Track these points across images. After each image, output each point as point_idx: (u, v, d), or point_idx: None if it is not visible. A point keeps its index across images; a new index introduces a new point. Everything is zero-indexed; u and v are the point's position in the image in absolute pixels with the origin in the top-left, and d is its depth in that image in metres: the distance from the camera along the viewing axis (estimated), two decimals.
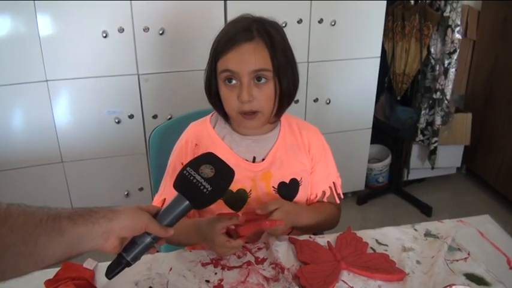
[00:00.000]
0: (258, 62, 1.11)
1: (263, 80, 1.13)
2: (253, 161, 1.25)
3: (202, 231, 1.13)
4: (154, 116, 2.31)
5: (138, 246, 0.85)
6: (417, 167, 3.04)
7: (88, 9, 2.04)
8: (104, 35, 2.09)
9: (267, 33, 1.13)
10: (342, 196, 1.37)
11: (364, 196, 2.96)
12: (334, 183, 1.35)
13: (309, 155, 1.30)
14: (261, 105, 1.15)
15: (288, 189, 1.27)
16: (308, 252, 1.11)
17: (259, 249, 1.16)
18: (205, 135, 1.27)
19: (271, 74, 1.14)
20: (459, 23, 2.52)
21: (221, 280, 1.05)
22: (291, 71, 1.18)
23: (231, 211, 1.24)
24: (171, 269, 1.08)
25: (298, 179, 1.28)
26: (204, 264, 1.10)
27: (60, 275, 1.01)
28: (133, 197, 2.45)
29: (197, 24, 2.20)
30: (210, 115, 1.31)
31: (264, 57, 1.12)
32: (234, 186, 1.23)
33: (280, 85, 1.15)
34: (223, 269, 1.09)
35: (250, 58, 1.11)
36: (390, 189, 3.05)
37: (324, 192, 1.33)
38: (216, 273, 1.07)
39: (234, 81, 1.14)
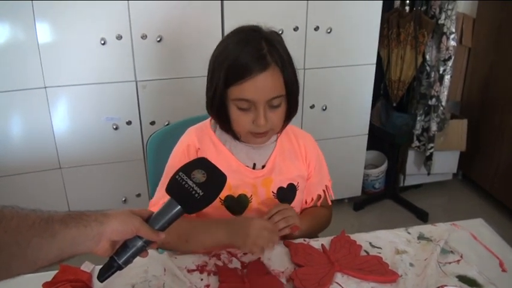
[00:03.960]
0: (274, 90, 1.12)
1: (277, 103, 1.15)
2: (253, 168, 1.27)
3: (237, 223, 1.16)
4: (152, 123, 2.33)
5: (129, 250, 0.85)
6: (413, 173, 3.05)
7: (86, 17, 2.06)
8: (102, 42, 2.11)
9: (278, 55, 1.12)
10: (333, 197, 1.41)
11: (361, 202, 2.97)
12: (326, 186, 1.38)
13: (305, 162, 1.33)
14: (274, 125, 1.18)
15: (286, 194, 1.29)
16: (302, 255, 1.13)
17: (245, 254, 1.16)
18: (207, 140, 1.27)
19: (284, 97, 1.16)
20: (454, 30, 2.56)
21: (208, 286, 1.05)
22: (296, 84, 1.19)
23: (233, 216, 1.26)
24: (165, 270, 1.09)
25: (295, 184, 1.30)
26: (189, 271, 1.10)
27: (58, 277, 1.02)
28: (131, 203, 2.46)
29: (194, 31, 2.22)
30: (209, 120, 1.32)
31: (279, 84, 1.13)
32: (235, 192, 1.24)
33: (290, 102, 1.18)
34: (209, 274, 1.09)
35: (266, 87, 1.11)
36: (387, 195, 3.06)
37: (319, 196, 1.37)
38: (202, 280, 1.08)
39: (247, 106, 1.14)
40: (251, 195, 1.26)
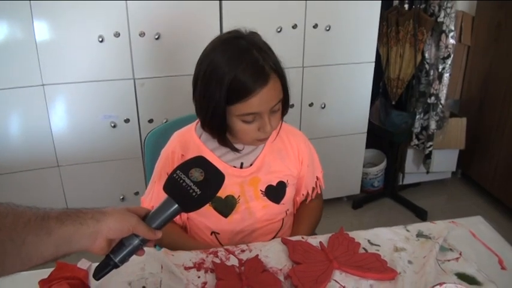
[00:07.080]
0: (276, 98, 1.15)
1: (277, 108, 1.17)
2: (241, 167, 1.27)
3: None
4: (150, 120, 2.32)
5: (126, 248, 0.84)
6: (412, 172, 3.05)
7: (84, 14, 2.05)
8: (100, 39, 2.10)
9: (272, 60, 1.13)
10: (323, 187, 1.44)
11: (360, 200, 2.97)
12: (317, 177, 1.42)
13: (298, 160, 1.34)
14: (275, 127, 1.21)
15: (276, 192, 1.30)
16: (300, 252, 1.12)
17: (242, 251, 1.16)
18: (191, 145, 1.27)
19: (281, 98, 1.18)
20: (453, 28, 2.55)
21: (205, 283, 1.05)
22: (286, 82, 1.20)
23: (221, 217, 1.27)
24: (162, 268, 1.08)
25: (285, 181, 1.31)
26: (186, 268, 1.10)
27: (54, 274, 1.01)
28: (128, 201, 2.46)
29: (192, 29, 2.21)
30: (195, 123, 1.32)
31: (279, 90, 1.15)
32: (223, 193, 1.25)
33: (285, 100, 1.20)
34: (206, 272, 1.09)
35: (270, 97, 1.13)
36: (385, 194, 3.06)
37: (313, 189, 1.40)
38: (199, 277, 1.07)
39: (253, 118, 1.15)
40: (238, 196, 1.26)
